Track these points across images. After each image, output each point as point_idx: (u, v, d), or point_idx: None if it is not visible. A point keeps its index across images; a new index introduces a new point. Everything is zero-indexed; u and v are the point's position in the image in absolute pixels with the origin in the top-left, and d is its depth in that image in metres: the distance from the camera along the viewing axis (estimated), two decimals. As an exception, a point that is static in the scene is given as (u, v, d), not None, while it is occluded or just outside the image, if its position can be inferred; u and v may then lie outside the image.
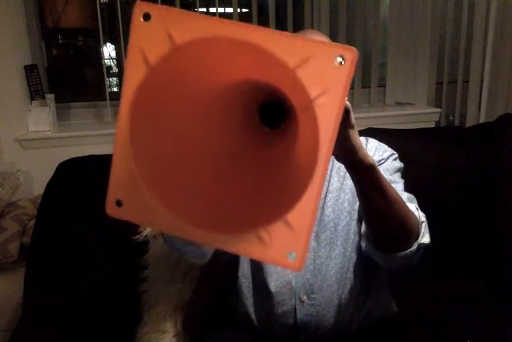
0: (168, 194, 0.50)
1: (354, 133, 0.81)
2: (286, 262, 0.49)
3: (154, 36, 0.45)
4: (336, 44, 0.44)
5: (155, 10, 0.45)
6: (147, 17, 0.45)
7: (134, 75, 0.46)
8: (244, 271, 1.14)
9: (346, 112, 0.77)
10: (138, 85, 0.46)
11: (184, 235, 0.51)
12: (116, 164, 0.50)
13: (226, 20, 0.45)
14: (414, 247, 0.95)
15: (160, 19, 0.45)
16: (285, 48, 0.44)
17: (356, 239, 1.10)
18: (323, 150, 0.45)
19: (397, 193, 0.91)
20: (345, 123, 0.77)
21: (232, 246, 0.50)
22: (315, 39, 0.45)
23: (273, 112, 0.60)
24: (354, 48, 0.44)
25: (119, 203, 0.52)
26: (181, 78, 0.48)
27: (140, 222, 0.53)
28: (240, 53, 0.47)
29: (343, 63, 0.44)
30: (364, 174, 0.86)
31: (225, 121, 0.57)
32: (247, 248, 0.50)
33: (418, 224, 0.96)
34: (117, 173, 0.50)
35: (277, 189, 0.51)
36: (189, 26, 0.45)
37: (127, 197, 0.51)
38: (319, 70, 0.44)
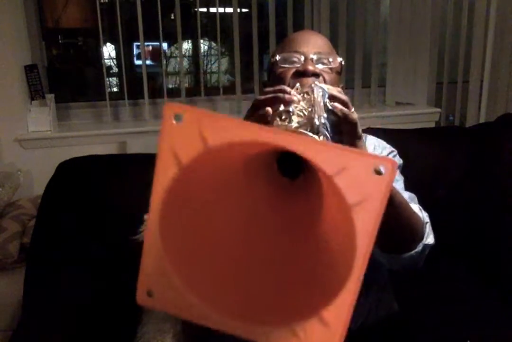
0: (199, 285, 0.51)
1: (361, 143, 0.85)
2: None
3: (185, 137, 0.46)
4: (374, 155, 0.45)
5: (187, 111, 0.45)
6: (178, 118, 0.46)
7: (165, 174, 0.47)
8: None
9: (354, 124, 0.83)
10: (169, 183, 0.47)
11: (214, 325, 0.51)
12: (146, 255, 0.52)
13: (261, 126, 0.45)
14: (419, 247, 0.95)
15: (192, 120, 0.45)
16: (323, 156, 0.44)
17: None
18: (359, 256, 0.46)
19: (402, 196, 0.91)
20: (353, 134, 0.84)
21: (265, 338, 0.50)
22: (353, 149, 0.45)
23: (289, 160, 0.59)
24: (393, 160, 0.44)
25: (150, 293, 0.53)
26: (206, 171, 0.50)
27: (171, 311, 0.53)
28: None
29: (382, 173, 0.43)
30: None
31: (247, 187, 0.57)
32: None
33: (422, 225, 0.96)
34: (147, 264, 0.52)
35: (311, 282, 0.51)
36: (222, 129, 0.45)
37: (158, 287, 0.52)
38: (358, 179, 0.44)
